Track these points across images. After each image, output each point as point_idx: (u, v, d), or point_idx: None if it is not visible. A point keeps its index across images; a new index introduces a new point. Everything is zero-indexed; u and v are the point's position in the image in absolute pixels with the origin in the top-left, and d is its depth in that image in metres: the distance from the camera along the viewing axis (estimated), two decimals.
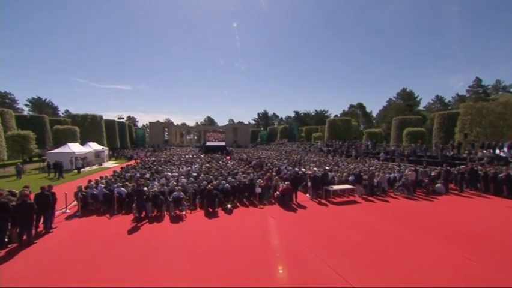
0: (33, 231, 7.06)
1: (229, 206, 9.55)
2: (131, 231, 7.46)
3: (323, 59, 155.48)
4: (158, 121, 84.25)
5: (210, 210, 9.20)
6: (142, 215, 8.68)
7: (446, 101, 54.50)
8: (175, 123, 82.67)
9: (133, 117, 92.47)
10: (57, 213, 8.69)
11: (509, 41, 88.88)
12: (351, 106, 62.10)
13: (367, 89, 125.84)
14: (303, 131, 50.98)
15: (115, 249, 6.26)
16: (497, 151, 18.64)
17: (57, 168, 19.52)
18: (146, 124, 75.31)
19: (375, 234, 7.24)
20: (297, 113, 77.91)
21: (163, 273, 5.06)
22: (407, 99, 50.40)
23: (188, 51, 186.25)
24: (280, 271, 5.16)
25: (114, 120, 45.09)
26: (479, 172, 13.57)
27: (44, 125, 32.81)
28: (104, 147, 31.63)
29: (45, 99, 68.48)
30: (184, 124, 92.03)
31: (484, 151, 19.11)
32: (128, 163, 22.83)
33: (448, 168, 13.95)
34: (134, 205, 8.99)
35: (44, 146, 29.59)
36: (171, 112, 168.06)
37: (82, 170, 21.94)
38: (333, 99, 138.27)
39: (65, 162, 20.75)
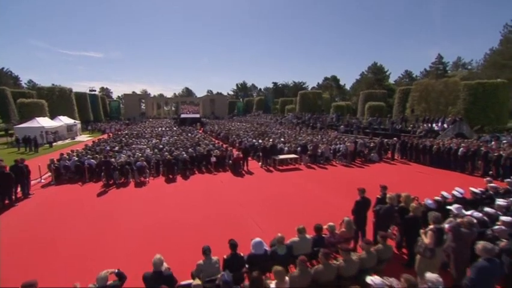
0: (13, 197, 8.40)
1: (187, 173, 11.30)
2: (100, 195, 9.04)
3: (304, 29, 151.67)
4: (134, 92, 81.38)
5: (171, 176, 10.90)
6: (110, 182, 10.19)
7: (414, 75, 57.50)
8: (153, 94, 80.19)
9: (107, 88, 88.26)
10: (32, 182, 9.94)
11: (485, 14, 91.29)
12: (326, 79, 63.73)
13: (346, 60, 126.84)
14: (278, 103, 52.35)
15: (85, 208, 7.83)
16: (434, 125, 21.57)
17: (28, 143, 19.92)
18: (122, 95, 72.65)
19: (299, 191, 9.35)
20: (275, 84, 78.28)
21: (122, 222, 6.81)
22: (377, 73, 52.74)
23: (165, 16, 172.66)
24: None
25: (85, 93, 43.55)
26: (408, 143, 16.11)
27: (6, 98, 31.32)
28: (77, 121, 31.37)
29: (3, 68, 63.09)
30: (161, 95, 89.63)
31: (424, 125, 21.95)
32: (102, 136, 23.50)
33: (382, 139, 16.39)
34: (103, 174, 10.43)
35: (8, 120, 28.78)
36: (149, 82, 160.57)
37: (54, 144, 22.34)
38: (312, 71, 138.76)
39: (36, 137, 21.00)
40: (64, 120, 28.00)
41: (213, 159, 11.95)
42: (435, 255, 4.07)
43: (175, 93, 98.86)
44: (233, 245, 3.87)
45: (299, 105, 40.29)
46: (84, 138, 28.28)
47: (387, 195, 5.27)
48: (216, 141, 19.02)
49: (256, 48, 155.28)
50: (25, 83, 67.86)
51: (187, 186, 10.07)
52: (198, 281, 3.05)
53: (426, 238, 4.14)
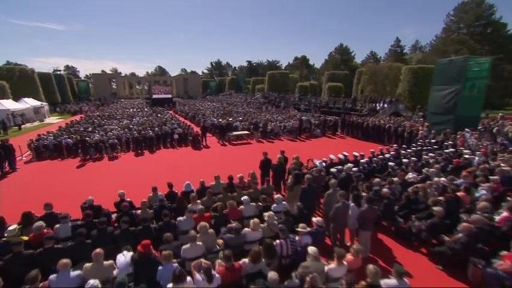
0: (4, 170, 10.23)
1: (154, 148, 13.54)
2: (78, 167, 11.10)
3: (281, 7, 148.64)
4: (103, 71, 77.96)
5: (139, 151, 13.08)
6: (87, 158, 12.18)
7: (379, 56, 61.21)
8: (124, 73, 77.62)
9: (73, 67, 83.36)
10: (17, 159, 11.65)
11: None
12: (296, 59, 65.71)
13: (319, 40, 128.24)
14: (250, 82, 53.92)
15: (67, 176, 9.94)
16: (377, 105, 25.02)
17: None
18: (91, 74, 69.50)
19: (241, 159, 11.98)
20: (249, 62, 78.94)
21: (97, 183, 9.08)
22: (343, 54, 55.66)
23: None
24: None
25: (50, 73, 41.95)
26: (347, 121, 19.22)
27: None
28: (43, 103, 31.14)
29: None
30: (133, 74, 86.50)
31: (370, 105, 25.33)
32: (73, 118, 24.30)
33: (325, 117, 19.42)
34: (79, 151, 12.33)
35: None
36: (119, 59, 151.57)
37: (23, 126, 22.80)
38: (286, 49, 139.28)
39: (3, 119, 21.37)
40: (30, 103, 27.83)
41: (176, 136, 14.20)
42: (294, 190, 6.88)
43: (147, 72, 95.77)
44: (170, 185, 6.40)
45: (268, 85, 42.42)
46: (53, 120, 28.57)
47: (278, 156, 8.04)
48: (184, 121, 21.02)
49: (233, 25, 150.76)
50: None
51: (153, 158, 12.37)
52: (145, 199, 5.58)
53: (290, 179, 6.94)
